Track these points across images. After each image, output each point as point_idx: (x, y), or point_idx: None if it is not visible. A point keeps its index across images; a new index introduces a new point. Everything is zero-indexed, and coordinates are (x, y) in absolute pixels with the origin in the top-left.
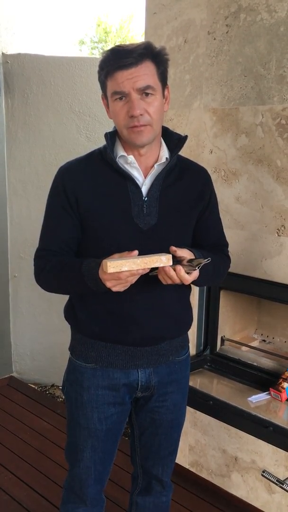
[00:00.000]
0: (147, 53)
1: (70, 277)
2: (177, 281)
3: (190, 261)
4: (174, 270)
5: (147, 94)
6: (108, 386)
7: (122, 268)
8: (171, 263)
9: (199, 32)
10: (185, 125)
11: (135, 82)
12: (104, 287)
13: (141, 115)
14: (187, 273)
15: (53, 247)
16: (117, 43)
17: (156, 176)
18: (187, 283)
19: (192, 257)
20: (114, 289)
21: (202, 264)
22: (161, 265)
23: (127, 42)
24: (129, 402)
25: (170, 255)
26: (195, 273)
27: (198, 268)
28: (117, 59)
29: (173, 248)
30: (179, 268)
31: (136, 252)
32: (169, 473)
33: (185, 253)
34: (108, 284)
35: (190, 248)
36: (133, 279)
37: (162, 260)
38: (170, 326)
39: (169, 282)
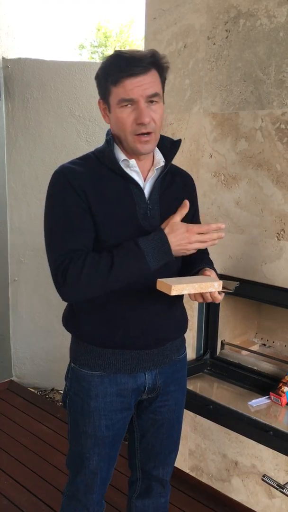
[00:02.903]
0: (154, 61)
1: (124, 263)
2: (209, 300)
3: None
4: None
5: (152, 102)
6: (116, 392)
7: (183, 292)
8: (221, 289)
9: (199, 37)
10: (185, 130)
11: (144, 89)
12: (171, 256)
13: (148, 122)
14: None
15: (78, 246)
16: (117, 48)
17: (155, 180)
18: (217, 301)
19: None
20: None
21: (234, 288)
22: (213, 290)
23: (127, 47)
24: (133, 406)
25: (221, 282)
26: (223, 294)
27: (232, 290)
28: (128, 67)
29: (207, 272)
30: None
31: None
32: (169, 472)
33: (213, 275)
34: (192, 239)
35: (210, 266)
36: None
37: (215, 286)
38: (174, 328)
39: (200, 300)
